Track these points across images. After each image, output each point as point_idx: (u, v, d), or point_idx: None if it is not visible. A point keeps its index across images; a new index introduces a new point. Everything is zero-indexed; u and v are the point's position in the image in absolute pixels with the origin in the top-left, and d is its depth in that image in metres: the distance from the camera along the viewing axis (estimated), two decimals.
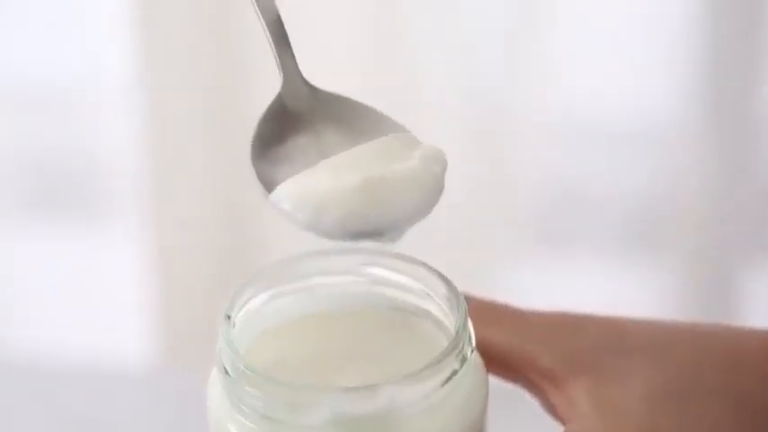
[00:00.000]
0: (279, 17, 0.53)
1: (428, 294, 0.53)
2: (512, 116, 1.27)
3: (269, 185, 0.51)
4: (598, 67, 1.27)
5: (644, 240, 1.33)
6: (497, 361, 0.54)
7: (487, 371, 0.53)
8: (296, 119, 0.53)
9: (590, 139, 1.31)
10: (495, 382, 0.54)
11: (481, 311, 0.54)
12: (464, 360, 0.50)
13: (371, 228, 0.50)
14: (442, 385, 0.49)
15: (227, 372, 0.49)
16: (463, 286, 0.53)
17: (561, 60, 1.26)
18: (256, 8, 0.53)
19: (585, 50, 1.27)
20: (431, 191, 0.51)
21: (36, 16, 1.30)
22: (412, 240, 0.53)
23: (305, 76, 0.53)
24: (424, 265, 0.54)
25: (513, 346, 0.54)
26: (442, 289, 0.52)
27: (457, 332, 0.50)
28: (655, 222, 1.32)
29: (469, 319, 0.51)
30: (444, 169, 0.51)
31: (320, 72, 0.57)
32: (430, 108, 1.24)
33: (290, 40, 0.53)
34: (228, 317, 0.51)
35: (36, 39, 1.30)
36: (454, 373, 0.49)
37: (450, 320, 0.52)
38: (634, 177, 1.30)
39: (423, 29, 1.24)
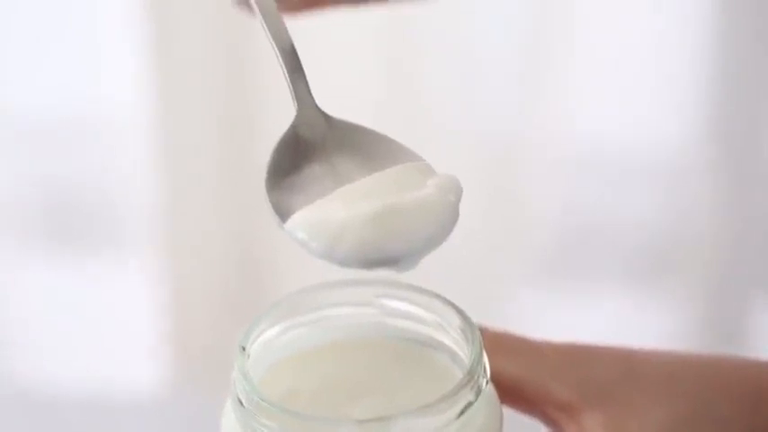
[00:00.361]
0: (292, 46, 0.53)
1: (442, 326, 0.53)
2: (524, 147, 1.27)
3: (284, 214, 0.50)
4: (610, 99, 1.27)
5: (656, 272, 1.33)
6: (512, 393, 0.54)
7: (502, 402, 0.53)
8: (310, 147, 0.53)
9: (603, 171, 1.31)
10: (509, 413, 0.54)
11: (495, 343, 0.54)
12: (479, 392, 0.49)
13: (386, 256, 0.49)
14: (457, 417, 0.49)
15: (241, 403, 0.49)
16: (474, 316, 0.53)
17: (574, 93, 1.26)
18: (270, 37, 0.53)
19: (598, 83, 1.27)
20: (446, 220, 0.50)
21: (46, 45, 1.30)
22: (423, 270, 0.52)
23: (319, 104, 0.53)
24: (438, 296, 0.53)
25: (527, 378, 0.54)
26: (457, 320, 0.52)
27: (472, 364, 0.50)
28: (667, 254, 1.32)
29: (484, 351, 0.51)
30: (459, 198, 0.51)
31: (334, 100, 0.57)
32: (442, 137, 1.24)
33: (304, 68, 0.53)
34: (243, 348, 0.51)
35: (45, 66, 1.30)
36: (469, 405, 0.49)
37: (464, 352, 0.52)
38: (646, 209, 1.30)
39: (436, 57, 1.25)
